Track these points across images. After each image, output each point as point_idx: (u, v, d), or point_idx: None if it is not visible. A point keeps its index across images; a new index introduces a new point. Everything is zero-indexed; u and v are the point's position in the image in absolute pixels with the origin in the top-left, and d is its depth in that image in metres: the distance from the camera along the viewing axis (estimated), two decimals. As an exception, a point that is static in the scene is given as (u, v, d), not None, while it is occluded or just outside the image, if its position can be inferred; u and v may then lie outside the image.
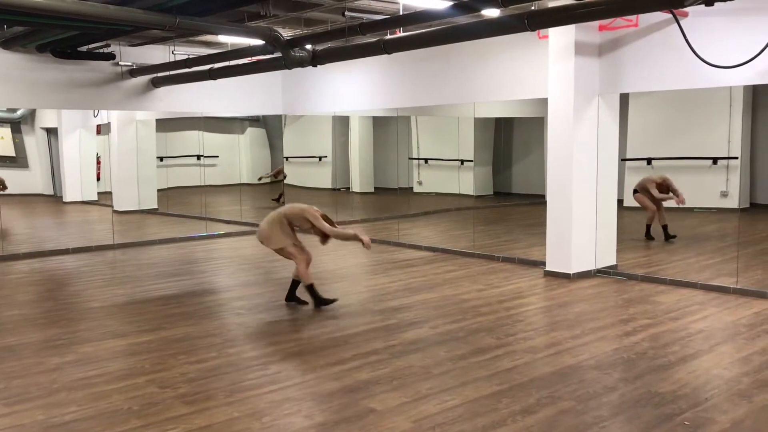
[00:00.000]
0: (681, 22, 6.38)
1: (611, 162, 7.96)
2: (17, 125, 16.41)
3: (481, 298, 6.84)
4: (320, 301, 6.54)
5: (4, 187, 10.66)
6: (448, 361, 4.96)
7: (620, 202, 8.42)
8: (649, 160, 13.46)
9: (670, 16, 6.55)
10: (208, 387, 4.49)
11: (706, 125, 12.75)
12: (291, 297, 6.71)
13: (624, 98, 8.70)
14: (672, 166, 13.26)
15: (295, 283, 6.71)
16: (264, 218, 6.67)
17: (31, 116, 16.73)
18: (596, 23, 7.43)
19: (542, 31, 7.67)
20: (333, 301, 6.60)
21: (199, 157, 14.85)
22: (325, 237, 6.50)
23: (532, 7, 6.63)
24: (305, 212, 6.46)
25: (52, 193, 17.24)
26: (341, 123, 16.02)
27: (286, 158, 16.10)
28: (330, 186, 16.71)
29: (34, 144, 16.37)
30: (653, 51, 7.16)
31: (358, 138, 16.04)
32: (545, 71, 7.90)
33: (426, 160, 14.82)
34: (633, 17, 7.14)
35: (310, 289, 6.56)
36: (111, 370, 4.84)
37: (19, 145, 15.83)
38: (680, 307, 6.44)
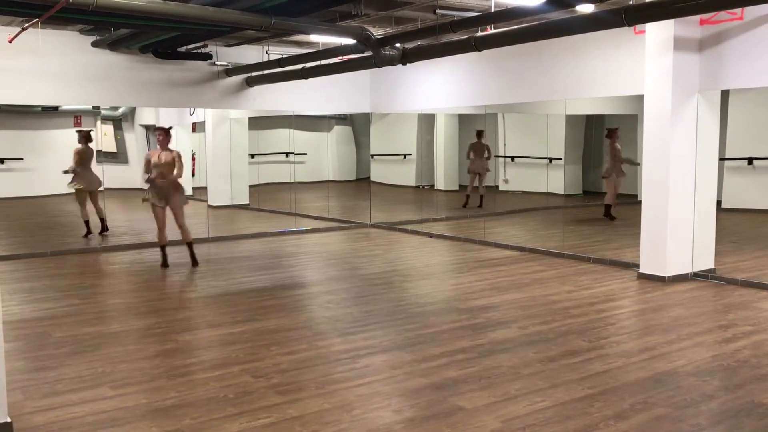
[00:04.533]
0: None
1: (710, 161, 7.63)
2: (119, 122, 17.24)
3: (571, 300, 6.71)
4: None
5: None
6: (538, 362, 4.89)
7: (719, 203, 8.04)
8: (750, 160, 12.83)
9: (779, 8, 6.23)
10: (300, 378, 4.59)
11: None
12: None
13: (723, 95, 8.32)
14: (776, 166, 12.61)
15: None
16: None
17: (131, 114, 17.54)
18: (697, 17, 7.14)
19: (638, 26, 7.44)
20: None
21: (288, 154, 15.19)
22: None
23: (630, 2, 6.43)
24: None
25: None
26: (427, 121, 16.01)
27: (372, 156, 16.23)
28: (414, 184, 16.75)
29: (134, 140, 17.15)
30: (760, 45, 6.82)
31: (443, 136, 16.00)
32: (640, 67, 7.66)
33: (513, 158, 14.62)
34: (738, 10, 6.83)
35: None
36: (207, 358, 5.04)
37: (120, 142, 16.63)
38: (785, 314, 6.13)
